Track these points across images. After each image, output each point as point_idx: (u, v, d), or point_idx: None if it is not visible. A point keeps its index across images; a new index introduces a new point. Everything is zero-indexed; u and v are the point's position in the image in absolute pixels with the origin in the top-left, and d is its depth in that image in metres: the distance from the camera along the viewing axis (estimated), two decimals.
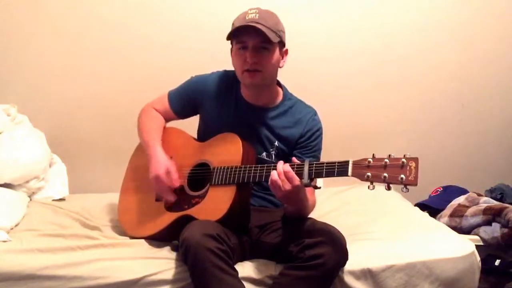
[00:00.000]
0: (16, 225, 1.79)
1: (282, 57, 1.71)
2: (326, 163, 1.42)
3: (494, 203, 2.19)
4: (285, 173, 1.43)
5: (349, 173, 1.36)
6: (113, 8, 2.38)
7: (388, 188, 1.31)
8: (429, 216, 2.09)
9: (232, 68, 1.73)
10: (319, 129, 1.76)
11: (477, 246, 1.75)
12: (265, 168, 1.53)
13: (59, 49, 2.39)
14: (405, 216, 2.04)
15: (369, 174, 1.32)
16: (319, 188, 1.49)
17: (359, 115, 2.65)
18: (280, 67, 1.71)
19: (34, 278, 1.47)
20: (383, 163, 1.31)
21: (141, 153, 1.85)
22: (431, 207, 2.34)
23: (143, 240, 1.71)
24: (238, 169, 1.58)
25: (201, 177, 1.69)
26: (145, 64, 2.44)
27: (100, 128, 2.49)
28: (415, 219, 2.02)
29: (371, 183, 1.33)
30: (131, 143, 1.92)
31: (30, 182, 2.07)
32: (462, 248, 1.71)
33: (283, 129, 1.73)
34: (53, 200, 2.09)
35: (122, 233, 1.79)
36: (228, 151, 1.64)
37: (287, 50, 1.73)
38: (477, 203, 2.21)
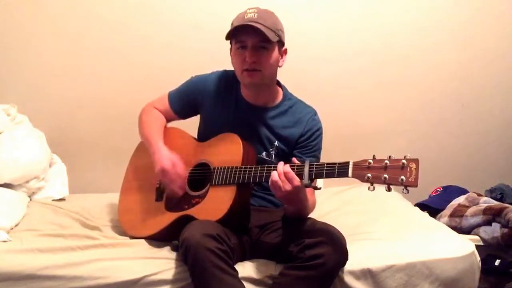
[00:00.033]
0: (16, 225, 1.78)
1: (282, 57, 1.71)
2: (327, 164, 1.42)
3: (494, 203, 2.19)
4: (286, 174, 1.43)
5: (350, 174, 1.36)
6: (113, 8, 2.39)
7: (389, 190, 1.31)
8: (429, 216, 2.09)
9: (232, 68, 1.73)
10: (319, 129, 1.76)
11: (477, 246, 1.75)
12: (265, 168, 1.53)
13: (59, 49, 2.40)
14: (405, 216, 2.04)
15: (369, 175, 1.32)
16: (319, 189, 1.50)
17: (359, 115, 2.65)
18: (279, 67, 1.71)
19: (34, 278, 1.47)
20: (384, 164, 1.31)
21: (142, 153, 1.86)
22: (431, 207, 2.34)
23: (143, 240, 1.71)
24: (238, 169, 1.58)
25: (201, 177, 1.68)
26: (145, 64, 2.44)
27: (100, 128, 2.49)
28: (415, 219, 2.02)
29: (371, 184, 1.33)
30: (131, 143, 1.93)
31: (30, 182, 2.07)
32: (462, 248, 1.71)
33: (283, 129, 1.73)
34: (53, 200, 2.09)
35: (122, 233, 1.79)
36: (229, 151, 1.64)
37: (286, 49, 1.72)
38: (477, 203, 2.21)
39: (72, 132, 2.47)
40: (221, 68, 1.82)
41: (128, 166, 1.92)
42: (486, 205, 2.15)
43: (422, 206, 2.37)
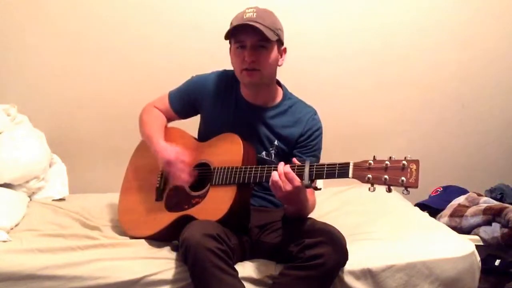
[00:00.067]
0: (16, 225, 1.78)
1: (281, 56, 1.70)
2: (327, 164, 1.42)
3: (494, 203, 2.19)
4: (286, 174, 1.43)
5: (350, 175, 1.36)
6: (113, 8, 2.38)
7: (389, 190, 1.32)
8: (429, 216, 2.09)
9: (231, 68, 1.73)
10: (319, 129, 1.76)
11: (477, 246, 1.75)
12: (265, 168, 1.53)
13: (59, 49, 2.40)
14: (405, 216, 2.04)
15: (369, 176, 1.32)
16: (320, 189, 1.50)
17: (359, 115, 2.65)
18: (279, 66, 1.71)
19: (34, 278, 1.47)
20: (384, 165, 1.31)
21: (142, 153, 1.86)
22: (431, 207, 2.34)
23: (143, 240, 1.71)
24: (238, 169, 1.58)
25: (201, 177, 1.69)
26: (145, 64, 2.44)
27: (100, 128, 2.49)
28: (415, 219, 2.02)
29: (372, 185, 1.33)
30: (131, 143, 1.92)
31: (30, 182, 2.07)
32: (462, 248, 1.71)
33: (282, 129, 1.73)
34: (53, 200, 2.09)
35: (122, 233, 1.79)
36: (229, 151, 1.64)
37: (285, 48, 1.72)
38: (477, 203, 2.21)
39: (72, 132, 2.47)
40: (221, 68, 1.82)
41: (128, 166, 1.92)
42: (486, 205, 2.15)
43: (422, 206, 2.37)
